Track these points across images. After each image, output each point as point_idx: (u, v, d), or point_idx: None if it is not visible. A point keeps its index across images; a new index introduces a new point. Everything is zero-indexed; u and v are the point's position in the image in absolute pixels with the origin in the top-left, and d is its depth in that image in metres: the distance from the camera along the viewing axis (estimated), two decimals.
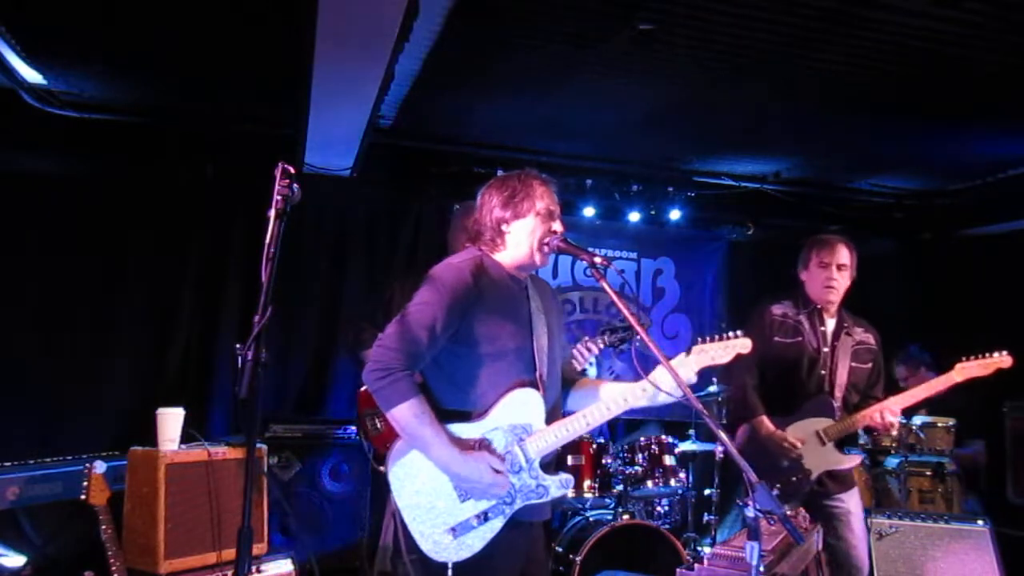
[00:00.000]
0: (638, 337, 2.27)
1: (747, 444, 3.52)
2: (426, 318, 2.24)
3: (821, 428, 3.41)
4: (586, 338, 3.26)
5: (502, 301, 2.37)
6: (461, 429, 2.29)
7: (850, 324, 3.58)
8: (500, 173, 2.55)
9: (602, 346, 3.24)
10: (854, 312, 3.68)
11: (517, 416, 2.31)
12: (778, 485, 3.33)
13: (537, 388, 2.36)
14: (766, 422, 3.48)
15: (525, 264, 2.43)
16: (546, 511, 2.46)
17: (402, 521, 2.26)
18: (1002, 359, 3.33)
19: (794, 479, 3.39)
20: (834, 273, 3.50)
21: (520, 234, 2.39)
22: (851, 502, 3.49)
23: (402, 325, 2.24)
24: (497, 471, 2.25)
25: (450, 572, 2.21)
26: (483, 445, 2.28)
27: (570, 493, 4.12)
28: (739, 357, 2.50)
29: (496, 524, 2.27)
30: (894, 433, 3.35)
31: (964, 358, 3.37)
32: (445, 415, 2.29)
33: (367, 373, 2.23)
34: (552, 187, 2.46)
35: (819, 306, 3.57)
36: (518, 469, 2.29)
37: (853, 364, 3.50)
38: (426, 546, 2.23)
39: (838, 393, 3.47)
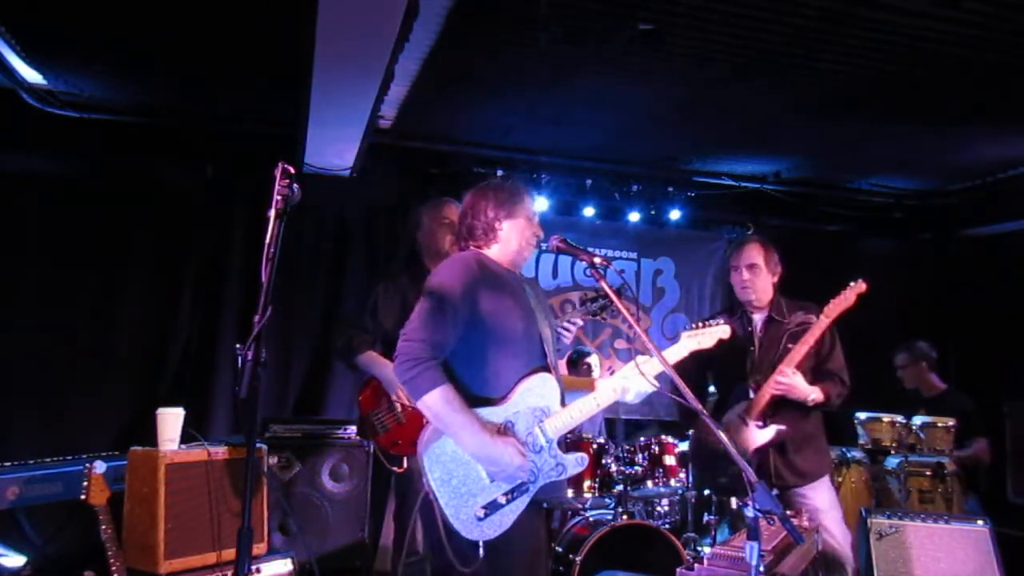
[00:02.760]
0: (636, 333, 2.36)
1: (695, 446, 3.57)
2: (443, 305, 2.36)
3: (741, 411, 3.44)
4: (569, 312, 3.32)
5: (505, 287, 2.52)
6: (487, 413, 2.39)
7: (783, 311, 3.58)
8: (500, 173, 2.66)
9: (582, 320, 3.32)
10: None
11: (536, 399, 2.46)
12: (723, 479, 3.35)
13: (550, 373, 2.51)
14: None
15: (513, 261, 2.61)
16: (562, 489, 2.66)
17: (436, 500, 2.33)
18: (857, 286, 3.39)
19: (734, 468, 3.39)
20: (744, 274, 3.57)
21: (511, 233, 2.58)
22: (818, 497, 3.46)
23: (422, 316, 2.36)
24: (523, 454, 2.37)
25: (481, 550, 2.31)
26: (507, 427, 2.40)
27: (570, 493, 4.13)
28: (720, 343, 2.76)
29: (521, 503, 2.39)
30: (809, 398, 3.34)
31: (828, 302, 3.40)
32: (470, 401, 2.38)
33: (397, 366, 2.33)
34: (532, 197, 2.71)
35: (745, 308, 3.63)
36: (539, 449, 2.44)
37: (791, 346, 3.47)
38: (459, 525, 2.32)
39: (758, 377, 3.46)
